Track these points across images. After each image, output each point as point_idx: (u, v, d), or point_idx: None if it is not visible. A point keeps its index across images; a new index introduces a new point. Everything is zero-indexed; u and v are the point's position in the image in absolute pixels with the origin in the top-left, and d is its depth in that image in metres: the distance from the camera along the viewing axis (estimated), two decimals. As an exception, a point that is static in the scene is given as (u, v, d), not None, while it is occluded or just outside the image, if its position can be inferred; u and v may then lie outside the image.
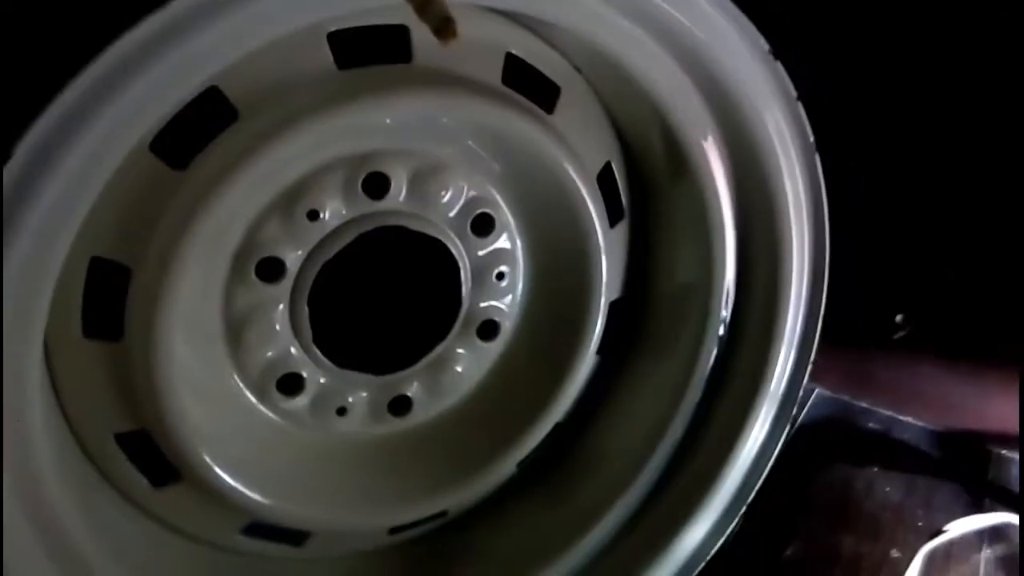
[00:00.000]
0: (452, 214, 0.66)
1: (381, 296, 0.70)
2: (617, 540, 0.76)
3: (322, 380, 0.65)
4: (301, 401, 0.65)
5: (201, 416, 0.59)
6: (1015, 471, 0.88)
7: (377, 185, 0.62)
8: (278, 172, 0.56)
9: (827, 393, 0.87)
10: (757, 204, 0.71)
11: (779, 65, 0.65)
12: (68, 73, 0.44)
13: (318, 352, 0.63)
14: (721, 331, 0.75)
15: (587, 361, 0.73)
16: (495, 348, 0.72)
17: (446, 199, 0.65)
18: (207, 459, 0.59)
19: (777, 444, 0.75)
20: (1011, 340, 0.81)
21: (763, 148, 0.67)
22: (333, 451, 0.67)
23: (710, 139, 0.67)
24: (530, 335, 0.73)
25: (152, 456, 0.59)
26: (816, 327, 0.75)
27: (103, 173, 0.47)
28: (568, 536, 0.76)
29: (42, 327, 0.49)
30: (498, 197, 0.67)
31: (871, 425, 0.91)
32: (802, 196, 0.71)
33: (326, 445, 0.67)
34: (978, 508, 0.82)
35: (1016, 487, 0.86)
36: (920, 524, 0.81)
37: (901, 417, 0.90)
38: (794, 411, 0.74)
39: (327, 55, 0.55)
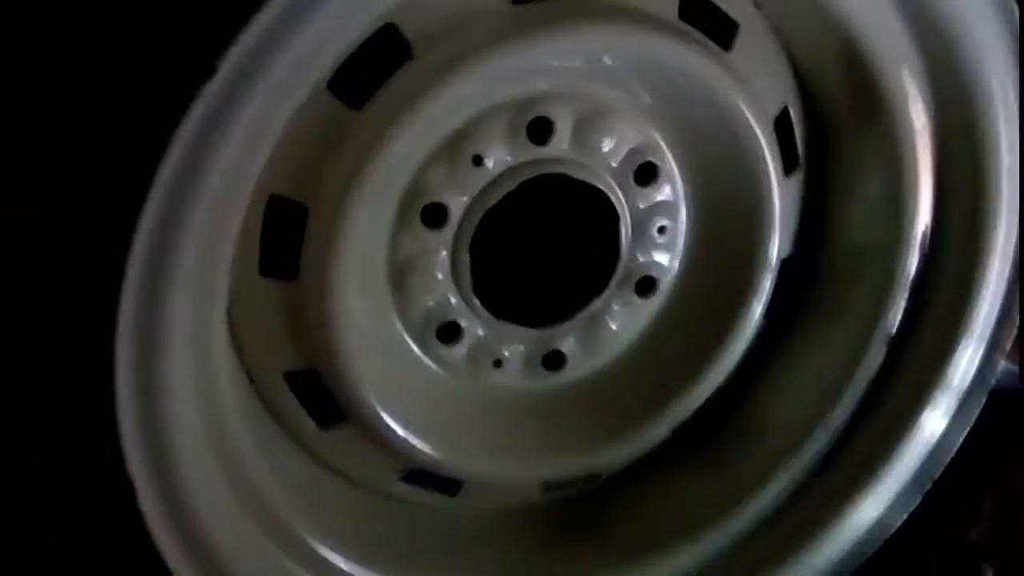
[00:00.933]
0: (615, 163, 0.64)
1: (539, 247, 0.69)
2: (780, 514, 0.73)
3: (480, 331, 0.65)
4: (459, 351, 0.65)
5: (368, 359, 0.60)
6: None
7: (541, 130, 0.60)
8: (450, 112, 0.55)
9: (1009, 365, 0.79)
10: (959, 151, 0.64)
11: None
12: (251, 9, 0.45)
13: (477, 302, 0.63)
14: (904, 300, 0.69)
15: (752, 323, 0.70)
16: (653, 305, 0.70)
17: (610, 146, 0.63)
18: (374, 402, 0.60)
19: (963, 431, 0.69)
20: None
21: (973, 82, 0.61)
22: (488, 403, 0.68)
23: (909, 72, 0.61)
24: (691, 293, 0.70)
25: (319, 396, 0.61)
26: (1016, 308, 0.67)
27: (286, 110, 0.48)
28: (725, 506, 0.73)
29: (228, 264, 0.51)
30: (664, 145, 0.65)
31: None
32: (1014, 131, 0.63)
33: (482, 396, 0.67)
34: None
35: None
36: None
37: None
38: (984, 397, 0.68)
39: None
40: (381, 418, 0.61)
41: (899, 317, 0.70)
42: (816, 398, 0.73)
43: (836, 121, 0.69)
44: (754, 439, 0.75)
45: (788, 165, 0.68)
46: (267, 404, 0.61)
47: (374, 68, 0.53)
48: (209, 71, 0.44)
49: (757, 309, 0.69)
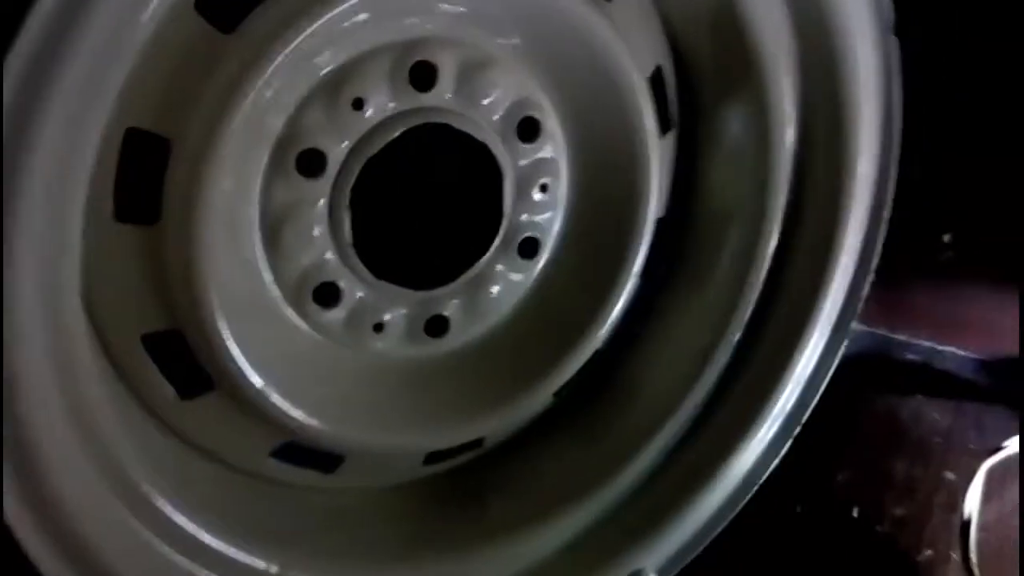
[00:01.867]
0: (498, 116, 0.63)
1: (421, 203, 0.67)
2: (660, 471, 0.74)
3: (359, 292, 0.62)
4: (337, 314, 0.62)
5: (238, 318, 0.55)
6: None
7: (424, 76, 0.59)
8: (329, 43, 0.53)
9: (862, 327, 0.86)
10: (823, 113, 0.68)
11: None
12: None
13: (357, 260, 0.60)
14: (767, 264, 0.72)
15: (630, 283, 0.71)
16: (534, 267, 0.70)
17: (493, 98, 0.62)
18: (245, 364, 0.56)
19: (828, 370, 0.74)
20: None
21: (841, 57, 0.64)
22: (369, 370, 0.65)
23: (779, 36, 0.65)
24: (571, 254, 0.70)
25: (181, 361, 0.56)
26: (874, 254, 0.72)
27: (143, 29, 0.44)
28: (607, 468, 0.74)
29: (81, 207, 0.45)
30: (545, 100, 0.65)
31: (911, 356, 0.91)
32: (874, 102, 0.67)
33: (362, 363, 0.64)
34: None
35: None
36: (972, 446, 0.82)
37: (941, 347, 0.90)
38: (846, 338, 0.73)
39: None
40: (252, 383, 0.57)
41: (762, 280, 0.74)
42: (687, 362, 0.75)
43: (705, 84, 0.71)
44: (628, 405, 0.76)
45: (662, 125, 0.69)
46: (123, 371, 0.55)
47: (247, -13, 0.49)
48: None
49: (635, 269, 0.70)
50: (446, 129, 0.61)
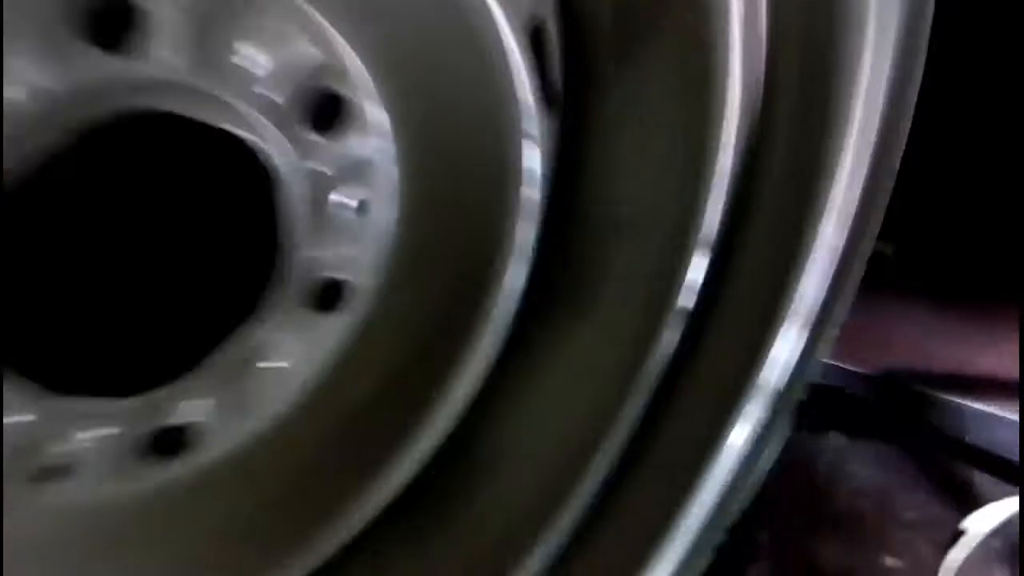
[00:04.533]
0: (274, 93, 0.45)
1: (125, 248, 0.47)
2: None
3: (19, 417, 0.44)
4: None
5: None
6: (968, 421, 0.84)
7: (121, 24, 0.40)
8: None
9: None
10: (793, 89, 0.50)
11: None
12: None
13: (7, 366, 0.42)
14: (697, 286, 0.55)
15: (497, 327, 0.53)
16: (341, 324, 0.53)
17: (262, 66, 0.44)
18: None
19: (770, 460, 0.57)
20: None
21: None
22: (60, 536, 0.48)
23: None
24: (402, 300, 0.54)
25: None
26: (849, 295, 0.54)
27: None
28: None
29: None
30: (358, 66, 0.48)
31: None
32: (880, 70, 0.49)
33: (41, 527, 0.47)
34: (928, 462, 0.76)
35: (984, 442, 0.82)
36: (905, 516, 0.72)
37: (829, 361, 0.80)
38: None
39: None
40: None
41: (683, 316, 0.56)
42: (574, 430, 0.58)
43: (609, 44, 0.54)
44: (495, 493, 0.57)
45: (542, 99, 0.52)
46: None
47: None
48: None
49: (505, 308, 0.53)
50: (171, 118, 0.42)
